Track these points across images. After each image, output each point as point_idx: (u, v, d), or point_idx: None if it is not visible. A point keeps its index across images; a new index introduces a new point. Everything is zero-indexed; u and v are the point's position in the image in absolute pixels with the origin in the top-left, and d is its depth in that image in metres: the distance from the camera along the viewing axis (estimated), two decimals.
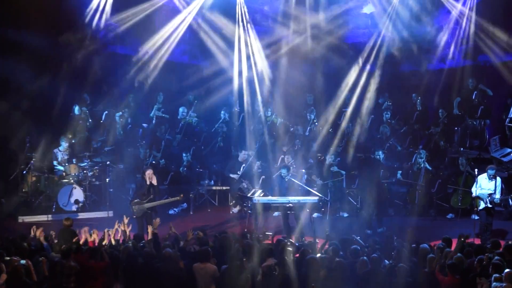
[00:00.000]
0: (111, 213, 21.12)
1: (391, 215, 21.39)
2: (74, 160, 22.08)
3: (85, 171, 22.03)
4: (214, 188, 23.23)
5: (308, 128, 24.47)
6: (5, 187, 21.68)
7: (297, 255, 14.31)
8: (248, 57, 25.24)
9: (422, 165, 21.60)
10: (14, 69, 22.44)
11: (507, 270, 12.36)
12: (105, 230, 15.54)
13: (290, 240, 16.08)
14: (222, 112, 24.72)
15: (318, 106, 25.16)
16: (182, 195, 19.18)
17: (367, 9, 25.27)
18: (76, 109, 23.63)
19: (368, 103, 24.41)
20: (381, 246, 15.06)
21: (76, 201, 21.26)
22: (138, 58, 24.91)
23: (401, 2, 24.51)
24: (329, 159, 22.21)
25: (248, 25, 25.13)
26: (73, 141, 22.87)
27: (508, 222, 20.24)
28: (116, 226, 15.80)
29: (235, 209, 22.15)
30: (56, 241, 15.54)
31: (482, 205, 18.31)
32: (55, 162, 21.94)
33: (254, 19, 25.42)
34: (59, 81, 23.60)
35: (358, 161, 22.04)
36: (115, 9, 24.41)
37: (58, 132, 22.60)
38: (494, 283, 12.22)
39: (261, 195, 19.27)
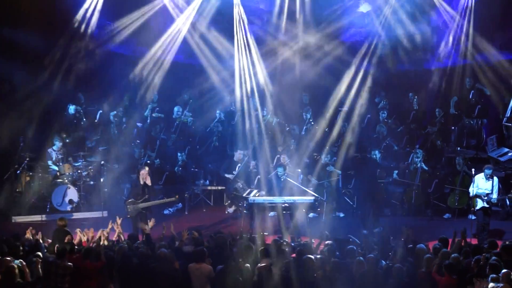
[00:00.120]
0: (105, 213, 20.98)
1: (388, 215, 21.41)
2: (70, 158, 22.02)
3: (79, 171, 21.91)
4: (209, 188, 23.19)
5: (304, 127, 24.37)
6: None
7: (293, 255, 14.25)
8: (244, 57, 25.13)
9: (419, 165, 21.56)
10: (8, 68, 22.39)
11: (504, 270, 12.33)
12: (100, 230, 15.47)
13: (286, 240, 15.98)
14: (218, 111, 24.63)
15: (314, 105, 25.07)
16: (177, 196, 19.20)
17: (363, 8, 25.27)
18: (71, 108, 23.52)
19: (364, 102, 24.33)
20: (378, 246, 14.97)
21: (71, 201, 21.17)
22: (133, 57, 24.83)
23: (397, 0, 24.45)
24: (325, 158, 22.11)
25: (245, 24, 24.98)
26: (67, 140, 22.76)
27: (505, 222, 20.22)
28: (110, 226, 15.76)
29: (231, 209, 22.09)
30: (50, 241, 15.47)
31: (479, 205, 18.31)
32: (49, 162, 21.83)
33: (250, 18, 25.28)
34: (54, 80, 23.48)
35: (354, 161, 21.96)
36: (111, 8, 24.38)
37: (53, 132, 22.48)
38: (491, 284, 12.19)
39: (256, 195, 19.22)
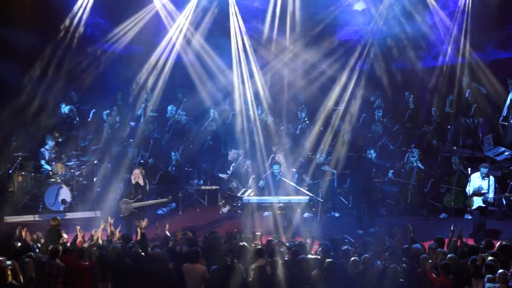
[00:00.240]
0: (98, 213, 20.84)
1: (383, 214, 21.33)
2: (63, 157, 21.92)
3: (72, 170, 21.77)
4: (203, 187, 23.10)
5: (299, 126, 24.31)
6: None
7: (288, 255, 14.17)
8: (239, 57, 25.01)
9: (415, 164, 21.48)
10: (0, 67, 22.22)
11: (500, 270, 12.32)
12: (93, 231, 15.39)
13: (281, 240, 15.93)
14: (212, 110, 24.50)
15: (309, 104, 25.02)
16: (170, 197, 19.19)
17: (359, 6, 25.25)
18: (64, 107, 23.45)
19: (359, 101, 24.26)
20: (373, 246, 14.86)
21: (63, 201, 21.03)
22: (126, 56, 24.73)
23: None
24: (320, 158, 22.02)
25: (240, 23, 24.87)
26: (60, 139, 22.63)
27: (501, 222, 20.16)
28: (102, 226, 15.64)
29: (225, 209, 21.97)
30: (43, 241, 15.35)
31: (475, 205, 18.25)
32: (42, 161, 21.75)
33: (244, 17, 25.17)
34: (46, 79, 23.40)
35: (350, 160, 21.83)
36: (103, 6, 24.39)
37: (45, 131, 22.40)
38: (488, 284, 12.18)
39: (251, 194, 19.15)
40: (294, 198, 18.71)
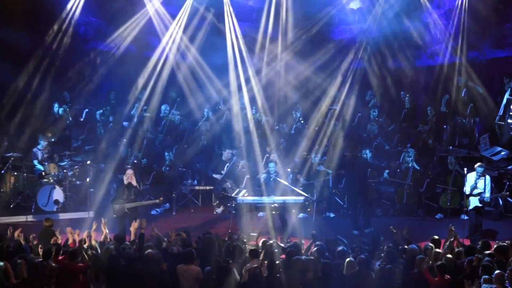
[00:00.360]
0: (91, 214, 20.76)
1: (379, 215, 21.30)
2: (55, 157, 21.85)
3: (65, 171, 21.70)
4: (197, 188, 23.01)
5: (294, 126, 24.26)
6: None
7: (283, 256, 14.14)
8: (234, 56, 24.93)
9: (410, 164, 21.41)
10: None
11: (497, 271, 12.32)
12: (86, 231, 15.24)
13: (276, 241, 15.78)
14: (206, 110, 24.45)
15: (304, 104, 24.98)
16: (161, 198, 19.11)
17: (354, 5, 25.22)
18: (56, 107, 23.36)
19: (354, 100, 24.19)
20: (369, 247, 14.85)
21: (56, 201, 20.89)
22: (119, 55, 24.64)
23: None
24: (315, 158, 21.93)
25: (234, 22, 24.79)
26: (52, 139, 22.53)
27: (497, 223, 20.11)
28: (94, 227, 15.54)
29: (219, 210, 21.89)
30: (35, 242, 15.28)
31: (472, 205, 18.19)
32: (35, 161, 21.61)
33: (239, 15, 25.08)
34: (39, 78, 23.29)
35: (345, 160, 21.71)
36: (96, 5, 24.29)
37: (38, 131, 22.31)
38: (484, 285, 12.16)
39: (245, 195, 19.09)
40: (288, 199, 18.61)
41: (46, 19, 23.67)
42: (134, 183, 18.11)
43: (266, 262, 13.38)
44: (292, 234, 17.89)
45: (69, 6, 23.49)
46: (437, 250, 14.00)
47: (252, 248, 14.12)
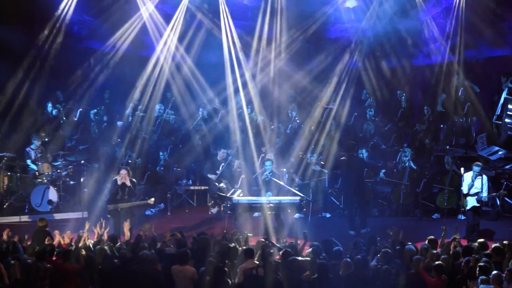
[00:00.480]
0: (86, 214, 20.69)
1: (375, 215, 21.28)
2: (49, 157, 21.77)
3: (59, 171, 21.64)
4: (192, 188, 22.95)
5: (290, 125, 24.19)
6: None
7: (279, 256, 14.06)
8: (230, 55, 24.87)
9: (407, 164, 21.38)
10: None
11: (494, 271, 12.28)
12: (80, 232, 15.16)
13: (271, 241, 15.74)
14: (200, 109, 24.37)
15: (300, 103, 24.97)
16: (153, 199, 18.91)
17: (350, 3, 25.18)
18: (50, 107, 23.26)
19: (350, 100, 24.17)
20: (365, 247, 14.76)
21: (50, 202, 20.83)
22: (112, 53, 24.55)
23: None
24: (311, 157, 21.85)
25: (230, 21, 24.71)
26: (46, 139, 22.45)
27: (495, 223, 20.10)
28: (86, 227, 15.46)
29: (214, 210, 21.81)
30: (29, 242, 15.22)
31: (469, 205, 18.16)
32: (28, 161, 21.56)
33: (234, 14, 24.99)
34: (32, 78, 23.22)
35: (341, 160, 21.60)
36: (90, 4, 24.26)
37: (31, 130, 22.30)
38: (482, 286, 12.08)
39: (240, 195, 19.03)
40: (284, 199, 18.53)
41: (39, 18, 23.61)
42: (128, 183, 17.99)
43: (262, 262, 13.33)
44: (288, 235, 17.83)
45: (62, 5, 23.41)
46: (434, 250, 13.96)
47: (247, 248, 14.01)
